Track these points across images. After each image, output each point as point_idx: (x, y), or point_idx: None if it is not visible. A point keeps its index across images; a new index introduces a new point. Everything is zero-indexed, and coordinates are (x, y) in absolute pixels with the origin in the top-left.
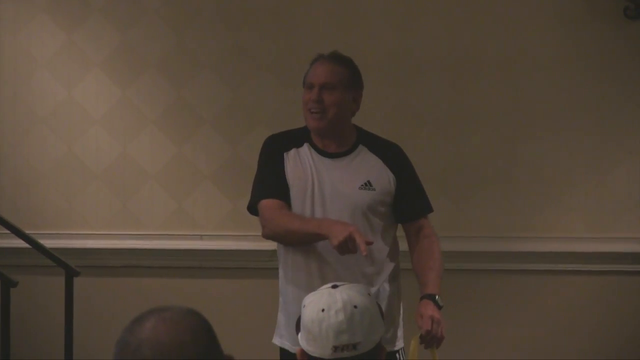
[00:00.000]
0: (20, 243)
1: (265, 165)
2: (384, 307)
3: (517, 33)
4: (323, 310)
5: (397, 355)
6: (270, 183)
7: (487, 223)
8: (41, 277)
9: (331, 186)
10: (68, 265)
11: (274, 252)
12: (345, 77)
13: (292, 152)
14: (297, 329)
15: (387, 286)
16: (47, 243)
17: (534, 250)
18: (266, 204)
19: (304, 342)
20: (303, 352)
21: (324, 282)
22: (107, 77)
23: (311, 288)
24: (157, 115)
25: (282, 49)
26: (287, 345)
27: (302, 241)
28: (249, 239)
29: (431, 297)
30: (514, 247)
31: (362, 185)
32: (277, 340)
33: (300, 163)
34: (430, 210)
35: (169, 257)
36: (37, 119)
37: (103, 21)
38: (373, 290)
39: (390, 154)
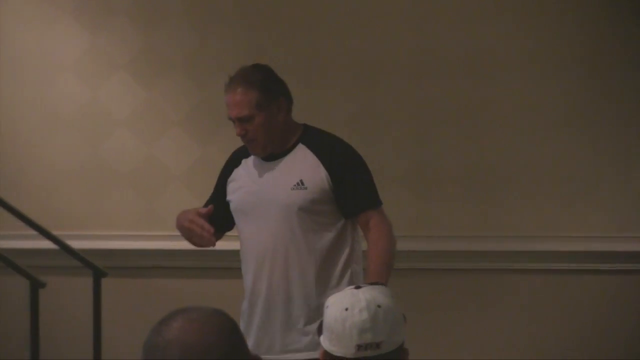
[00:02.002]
0: (47, 244)
1: (215, 185)
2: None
3: (533, 32)
4: (347, 309)
5: None
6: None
7: (513, 222)
8: (69, 278)
9: (265, 190)
10: (96, 266)
11: None
12: (256, 99)
13: (242, 164)
14: (320, 331)
15: (336, 283)
16: (74, 244)
17: (559, 250)
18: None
19: (327, 342)
20: (325, 352)
21: (263, 285)
22: (131, 79)
23: (252, 291)
24: (181, 116)
25: (300, 50)
26: None
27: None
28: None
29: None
30: (538, 246)
31: (294, 185)
32: None
33: (245, 174)
34: (374, 204)
35: (195, 257)
36: (62, 121)
37: (127, 23)
38: (326, 287)
39: (328, 151)
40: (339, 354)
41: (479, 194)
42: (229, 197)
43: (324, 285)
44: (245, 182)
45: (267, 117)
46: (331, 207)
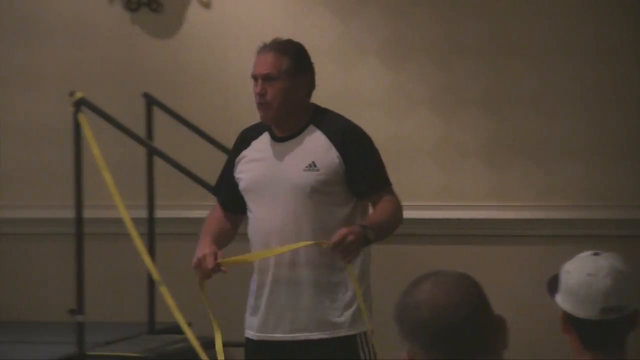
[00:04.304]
0: None
1: (225, 165)
2: (347, 287)
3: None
4: (590, 274)
5: (358, 339)
6: (221, 187)
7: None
8: None
9: (277, 172)
10: None
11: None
12: (286, 65)
13: (251, 146)
14: (551, 291)
15: (352, 262)
16: None
17: None
18: (211, 211)
19: (568, 305)
20: (565, 314)
21: (271, 264)
22: (381, 63)
23: (260, 270)
24: (426, 96)
25: None
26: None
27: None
28: (510, 209)
29: (358, 225)
30: None
31: (307, 166)
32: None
33: (255, 155)
34: (384, 185)
35: (447, 225)
36: (318, 102)
37: (377, 12)
38: (334, 266)
39: (339, 133)
40: (581, 316)
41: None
42: (238, 176)
43: (332, 264)
44: (256, 163)
45: (290, 86)
46: (342, 188)
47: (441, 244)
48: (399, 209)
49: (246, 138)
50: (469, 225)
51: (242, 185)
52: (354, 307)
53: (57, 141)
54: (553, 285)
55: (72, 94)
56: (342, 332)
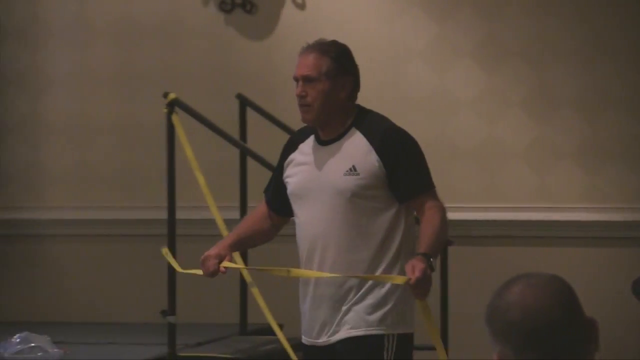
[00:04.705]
0: None
1: (275, 168)
2: (384, 290)
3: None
4: None
5: (385, 340)
6: (270, 188)
7: None
8: None
9: (319, 176)
10: None
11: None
12: (327, 67)
13: (298, 149)
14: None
15: (389, 268)
16: None
17: None
18: (257, 207)
19: None
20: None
21: (315, 268)
22: (475, 65)
23: (303, 282)
24: (520, 98)
25: None
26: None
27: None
28: (603, 211)
29: (420, 254)
30: None
31: (347, 170)
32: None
33: (301, 159)
34: (427, 188)
35: (532, 227)
36: (411, 102)
37: (471, 13)
38: (378, 272)
39: (379, 136)
40: None
41: None
42: (286, 180)
43: (376, 269)
44: (302, 167)
45: (330, 88)
46: (384, 192)
47: (534, 246)
48: (443, 215)
49: (295, 141)
50: (561, 228)
51: (289, 190)
52: (387, 307)
53: (150, 142)
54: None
55: (165, 94)
56: (371, 331)
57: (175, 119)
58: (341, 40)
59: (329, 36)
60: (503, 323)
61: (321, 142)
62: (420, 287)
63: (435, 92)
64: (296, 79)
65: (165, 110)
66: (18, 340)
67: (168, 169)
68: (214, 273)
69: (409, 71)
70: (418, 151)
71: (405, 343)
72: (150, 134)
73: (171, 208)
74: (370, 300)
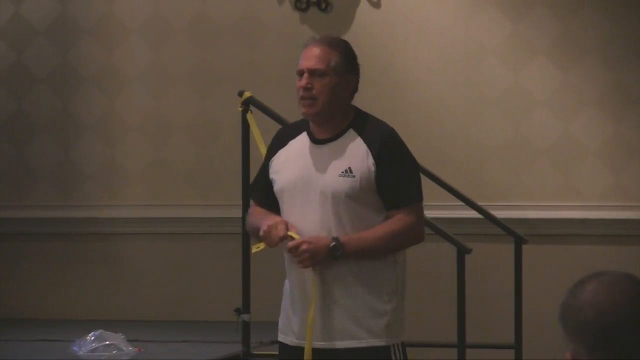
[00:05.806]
0: (473, 214)
1: (262, 165)
2: (382, 294)
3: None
4: None
5: (392, 352)
6: (258, 187)
7: None
8: (492, 244)
9: (313, 175)
10: (517, 234)
11: None
12: (335, 61)
13: (288, 145)
14: None
15: (386, 272)
16: (497, 213)
17: None
18: (251, 208)
19: None
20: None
21: (305, 280)
22: (550, 63)
23: (297, 284)
24: (595, 96)
25: None
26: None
27: (259, 236)
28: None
29: (336, 238)
30: None
31: (342, 172)
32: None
33: (292, 156)
34: (411, 202)
35: (606, 226)
36: (486, 101)
37: (546, 12)
38: (366, 277)
39: (376, 138)
40: None
41: None
42: (272, 176)
43: (367, 274)
44: (292, 164)
45: (337, 83)
46: (375, 197)
47: (609, 244)
48: (406, 229)
49: (283, 137)
50: (635, 225)
51: (276, 187)
52: (388, 314)
53: (225, 140)
54: None
55: (240, 93)
56: (376, 342)
57: (250, 117)
58: (416, 38)
59: (404, 35)
60: (576, 322)
61: (315, 140)
62: (301, 256)
63: (509, 91)
64: (301, 72)
65: (241, 109)
66: (93, 338)
67: (243, 167)
68: (284, 237)
69: (484, 69)
70: (410, 161)
71: (405, 351)
72: (225, 132)
73: (245, 206)
74: (372, 310)
